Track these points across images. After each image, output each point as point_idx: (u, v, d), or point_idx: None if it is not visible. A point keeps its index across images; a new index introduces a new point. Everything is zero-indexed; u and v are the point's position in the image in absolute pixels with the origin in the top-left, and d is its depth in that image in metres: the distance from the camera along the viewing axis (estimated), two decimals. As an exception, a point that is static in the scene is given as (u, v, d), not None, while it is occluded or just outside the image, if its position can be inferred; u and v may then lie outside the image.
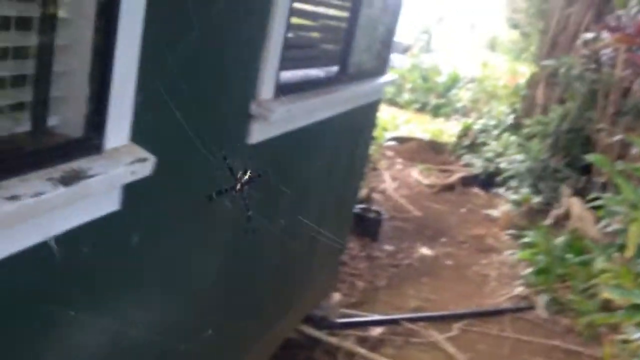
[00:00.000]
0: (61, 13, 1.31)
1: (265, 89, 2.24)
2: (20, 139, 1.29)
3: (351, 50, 3.17)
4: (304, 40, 2.87)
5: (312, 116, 2.79)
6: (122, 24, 1.39)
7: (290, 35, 2.40)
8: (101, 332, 1.73)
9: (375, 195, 6.83)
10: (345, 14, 3.10)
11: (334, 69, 3.10)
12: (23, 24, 1.26)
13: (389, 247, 5.92)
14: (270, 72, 2.25)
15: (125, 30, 1.41)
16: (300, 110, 2.52)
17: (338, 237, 4.22)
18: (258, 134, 2.25)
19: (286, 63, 2.39)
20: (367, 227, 5.94)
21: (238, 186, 1.42)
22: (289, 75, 2.55)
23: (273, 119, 2.22)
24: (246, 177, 1.43)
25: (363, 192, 6.34)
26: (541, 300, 5.14)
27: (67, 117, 1.41)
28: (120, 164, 1.46)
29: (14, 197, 1.18)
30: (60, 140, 1.38)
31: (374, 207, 6.22)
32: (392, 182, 7.61)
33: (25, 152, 1.28)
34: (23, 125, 1.30)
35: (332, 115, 3.05)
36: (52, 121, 1.38)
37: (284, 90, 2.40)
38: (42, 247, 1.33)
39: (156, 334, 2.04)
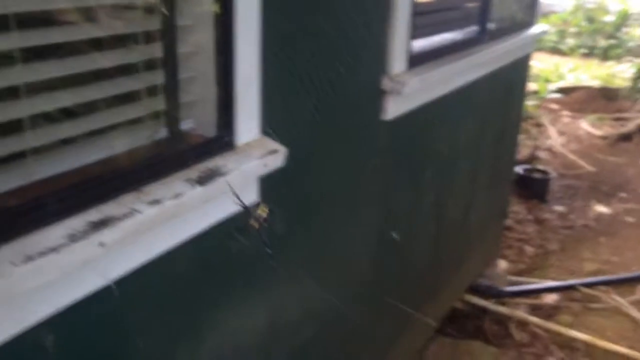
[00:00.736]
0: (181, 22, 1.37)
1: (396, 61, 2.19)
2: (158, 145, 1.38)
3: (491, 6, 2.99)
4: (436, 3, 2.76)
5: (452, 83, 2.68)
6: (240, 20, 1.43)
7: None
8: (257, 321, 1.83)
9: (541, 154, 6.43)
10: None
11: (473, 29, 2.94)
12: (148, 37, 1.34)
13: (559, 208, 5.56)
14: (400, 42, 2.19)
15: (243, 25, 1.45)
16: (437, 78, 2.43)
17: (498, 202, 4.05)
18: (393, 109, 2.21)
19: (417, 30, 2.32)
20: (533, 188, 5.63)
21: (257, 226, 1.40)
22: (421, 42, 2.47)
23: (407, 92, 2.17)
24: (264, 215, 1.39)
25: (526, 152, 6.01)
26: None
27: (198, 119, 1.48)
28: (252, 158, 1.51)
29: (155, 201, 1.27)
30: (194, 142, 1.46)
31: (540, 167, 5.87)
32: (559, 137, 7.11)
33: (163, 157, 1.37)
34: (160, 132, 1.39)
35: (475, 79, 2.91)
36: (185, 125, 1.46)
37: (417, 59, 2.33)
38: (189, 244, 1.43)
39: (311, 318, 2.11)
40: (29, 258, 1.03)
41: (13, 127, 1.12)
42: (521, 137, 4.75)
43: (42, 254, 1.05)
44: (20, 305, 1.05)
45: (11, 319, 1.06)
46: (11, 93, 1.10)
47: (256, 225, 1.34)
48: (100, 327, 1.28)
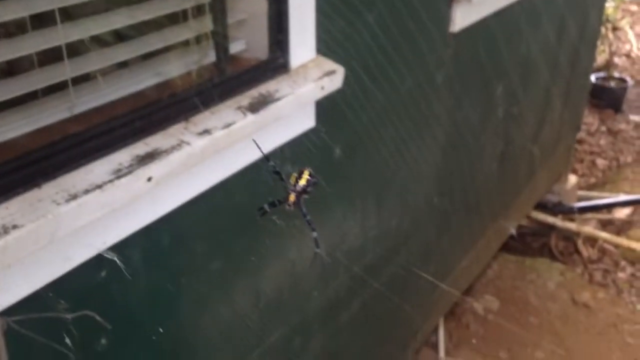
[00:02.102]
0: None
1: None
2: (206, 71, 1.28)
3: None
4: None
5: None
6: None
7: None
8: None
9: (617, 60, 5.99)
10: None
11: None
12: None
13: (636, 118, 5.22)
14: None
15: None
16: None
17: (571, 113, 3.81)
18: (461, 19, 2.02)
19: None
20: (608, 97, 5.28)
21: (292, 197, 1.05)
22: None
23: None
24: (303, 182, 1.04)
25: (602, 59, 5.60)
26: None
27: (249, 40, 1.37)
28: (308, 81, 1.40)
29: (205, 132, 1.19)
30: (245, 65, 1.35)
31: (616, 74, 5.47)
32: (638, 41, 6.59)
33: (212, 83, 1.27)
34: (208, 56, 1.29)
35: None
36: (236, 47, 1.36)
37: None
38: (241, 175, 1.36)
39: (375, 242, 2.05)
40: (73, 196, 0.98)
41: (51, 56, 1.05)
42: (598, 44, 4.39)
43: (87, 191, 1.00)
44: (67, 244, 1.02)
45: (59, 258, 1.02)
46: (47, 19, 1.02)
47: (292, 198, 1.05)
48: (150, 263, 1.24)
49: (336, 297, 1.95)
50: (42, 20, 1.01)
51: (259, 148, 1.12)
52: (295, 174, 1.05)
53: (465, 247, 2.97)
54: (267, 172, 1.13)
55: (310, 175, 1.05)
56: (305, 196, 1.05)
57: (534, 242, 3.97)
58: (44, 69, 1.05)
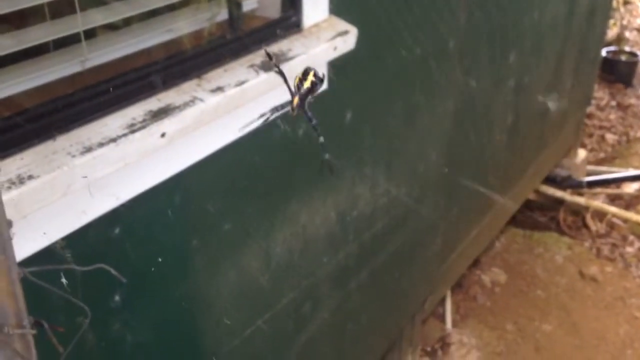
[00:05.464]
0: None
1: None
2: (218, 29, 1.27)
3: None
4: None
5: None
6: None
7: None
8: (328, 206, 1.78)
9: (628, 34, 5.92)
10: None
11: None
12: None
13: (646, 92, 5.18)
14: None
15: None
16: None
17: (582, 88, 3.77)
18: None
19: None
20: (619, 71, 5.23)
21: (296, 100, 0.95)
22: None
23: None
24: (307, 85, 0.93)
25: (612, 33, 5.53)
26: None
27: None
28: (321, 41, 1.39)
29: (218, 89, 1.18)
30: (257, 23, 1.34)
31: (627, 48, 5.41)
32: (650, 15, 6.50)
33: (224, 41, 1.26)
34: (220, 14, 1.28)
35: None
36: (248, 5, 1.34)
37: None
38: (254, 134, 1.35)
39: (382, 209, 2.05)
40: (88, 149, 0.98)
41: (64, 7, 1.04)
42: (610, 18, 4.34)
43: (101, 144, 1.00)
44: (81, 198, 1.01)
45: (74, 212, 1.02)
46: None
47: (295, 101, 0.96)
48: (163, 222, 1.24)
49: (345, 264, 1.96)
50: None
51: (268, 53, 1.04)
52: (299, 75, 0.95)
53: (473, 219, 2.96)
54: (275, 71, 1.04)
55: (315, 76, 0.94)
56: (310, 99, 0.95)
57: (542, 216, 3.97)
58: (56, 21, 1.04)
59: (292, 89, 0.95)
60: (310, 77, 0.94)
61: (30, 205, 0.92)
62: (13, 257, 0.75)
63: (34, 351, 0.79)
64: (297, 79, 0.95)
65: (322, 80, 0.95)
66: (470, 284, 3.42)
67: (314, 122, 0.98)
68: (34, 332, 0.77)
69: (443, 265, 2.79)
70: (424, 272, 2.64)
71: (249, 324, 1.59)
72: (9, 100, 1.00)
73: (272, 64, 1.01)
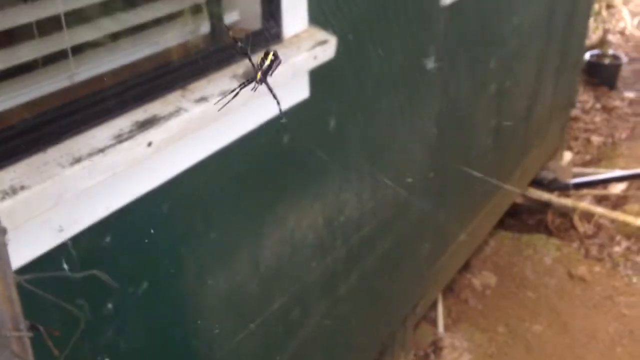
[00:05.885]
0: None
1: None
2: (201, 41, 1.32)
3: None
4: None
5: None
6: None
7: None
8: (316, 212, 1.82)
9: (611, 38, 6.02)
10: None
11: None
12: None
13: (630, 95, 5.26)
14: None
15: None
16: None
17: (565, 91, 3.84)
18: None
19: None
20: (602, 74, 5.31)
21: (259, 75, 1.14)
22: None
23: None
24: (267, 62, 1.14)
25: (596, 36, 5.63)
26: None
27: (242, 11, 1.40)
28: (301, 51, 1.44)
29: (202, 99, 1.23)
30: (239, 35, 1.38)
31: (610, 51, 5.50)
32: (632, 19, 6.61)
33: (207, 52, 1.31)
34: (203, 26, 1.33)
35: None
36: (230, 18, 1.39)
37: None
38: (239, 143, 1.40)
39: (369, 213, 2.09)
40: (77, 159, 1.02)
41: (51, 25, 1.08)
42: (590, 21, 4.42)
43: (91, 155, 1.04)
44: (73, 207, 1.05)
45: (66, 221, 1.06)
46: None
47: (259, 76, 1.13)
48: (153, 227, 1.28)
49: (334, 269, 2.00)
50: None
51: (235, 39, 1.20)
52: (261, 55, 1.15)
53: (461, 222, 3.01)
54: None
55: (274, 55, 1.14)
56: (270, 75, 1.16)
57: (530, 219, 4.02)
58: (44, 38, 1.09)
59: (256, 66, 1.15)
60: (270, 57, 1.14)
61: (23, 214, 0.96)
62: (9, 263, 0.78)
63: (30, 352, 0.83)
64: (260, 58, 1.15)
65: (279, 60, 1.15)
66: (461, 288, 3.46)
67: (274, 92, 1.18)
68: (30, 334, 0.80)
69: (432, 268, 2.83)
70: (414, 276, 2.68)
71: (240, 329, 1.62)
72: (0, 115, 1.04)
73: (239, 46, 1.17)
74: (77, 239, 1.09)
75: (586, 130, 4.79)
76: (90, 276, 1.06)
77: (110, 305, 1.22)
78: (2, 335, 0.77)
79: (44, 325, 0.89)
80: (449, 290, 3.39)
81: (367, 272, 2.19)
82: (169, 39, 1.26)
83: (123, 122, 1.12)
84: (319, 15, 1.51)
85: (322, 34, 1.49)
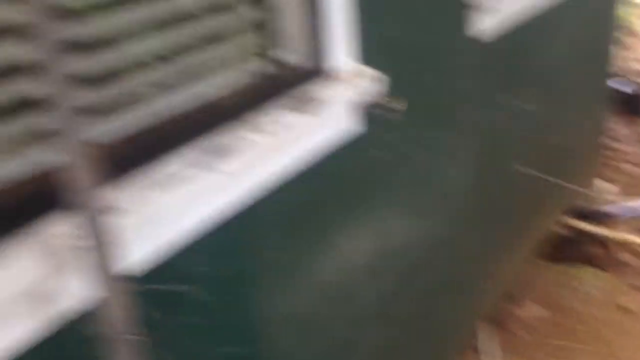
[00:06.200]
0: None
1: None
2: (258, 78, 1.43)
3: None
4: None
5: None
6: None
7: None
8: (366, 242, 1.89)
9: (637, 65, 6.04)
10: None
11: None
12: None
13: (661, 123, 5.26)
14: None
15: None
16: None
17: (594, 121, 3.89)
18: (488, 27, 2.16)
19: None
20: (632, 103, 5.31)
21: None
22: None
23: (499, 6, 2.12)
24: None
25: (620, 65, 5.65)
26: None
27: (295, 50, 1.51)
28: (350, 87, 1.53)
29: (264, 131, 1.33)
30: (290, 72, 1.49)
31: (638, 79, 5.51)
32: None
33: (264, 89, 1.41)
34: (258, 65, 1.44)
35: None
36: (281, 55, 1.50)
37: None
38: (302, 172, 1.49)
39: (415, 245, 2.15)
40: (160, 184, 1.12)
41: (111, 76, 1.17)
42: (614, 49, 4.47)
43: (169, 180, 1.13)
44: (160, 231, 1.14)
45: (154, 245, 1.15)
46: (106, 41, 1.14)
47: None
48: (226, 254, 1.36)
49: (384, 294, 2.05)
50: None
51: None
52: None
53: (502, 254, 3.03)
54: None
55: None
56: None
57: (574, 250, 4.00)
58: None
59: None
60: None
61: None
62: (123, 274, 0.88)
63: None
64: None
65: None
66: (507, 319, 3.44)
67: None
68: (142, 338, 0.89)
69: (478, 299, 2.85)
70: (461, 307, 2.70)
71: (299, 354, 1.68)
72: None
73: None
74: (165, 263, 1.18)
75: (620, 159, 4.80)
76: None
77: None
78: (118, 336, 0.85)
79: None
80: (494, 321, 3.37)
81: (415, 299, 2.24)
82: (228, 79, 1.37)
83: (194, 152, 1.22)
84: (370, 54, 1.60)
85: (372, 72, 1.58)
